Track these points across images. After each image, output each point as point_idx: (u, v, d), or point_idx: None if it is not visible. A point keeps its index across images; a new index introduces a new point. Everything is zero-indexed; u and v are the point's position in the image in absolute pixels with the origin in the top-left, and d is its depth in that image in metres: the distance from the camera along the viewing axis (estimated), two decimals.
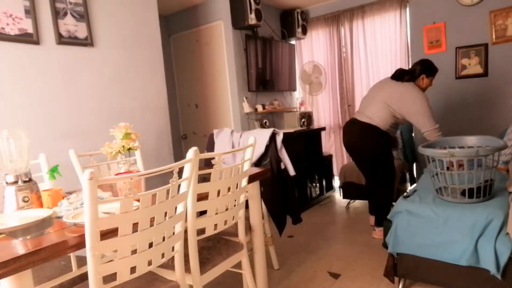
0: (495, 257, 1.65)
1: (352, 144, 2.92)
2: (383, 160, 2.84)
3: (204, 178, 1.50)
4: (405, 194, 2.22)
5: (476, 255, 1.71)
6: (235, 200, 1.66)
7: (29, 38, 2.20)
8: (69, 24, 2.39)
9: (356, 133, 2.84)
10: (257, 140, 1.81)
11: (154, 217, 1.16)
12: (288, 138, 2.91)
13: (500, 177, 2.23)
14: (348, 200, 3.94)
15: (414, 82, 2.72)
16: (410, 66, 3.93)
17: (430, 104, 2.64)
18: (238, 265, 1.81)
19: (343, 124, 4.54)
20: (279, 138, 2.52)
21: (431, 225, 1.86)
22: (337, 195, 4.36)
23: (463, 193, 1.91)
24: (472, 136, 2.26)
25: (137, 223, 1.11)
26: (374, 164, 2.87)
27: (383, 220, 2.47)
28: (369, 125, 2.75)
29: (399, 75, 2.74)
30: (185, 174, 1.30)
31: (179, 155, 4.17)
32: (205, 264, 1.57)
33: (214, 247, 1.72)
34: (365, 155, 2.87)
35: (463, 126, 3.71)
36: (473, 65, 3.57)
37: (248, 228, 2.02)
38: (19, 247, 1.02)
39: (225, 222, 1.62)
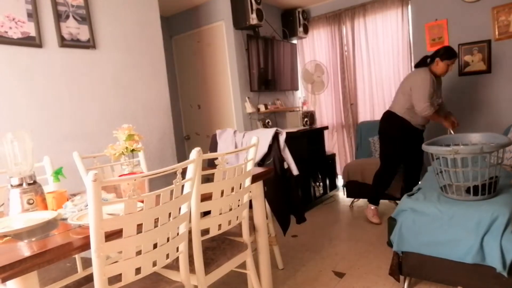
0: (501, 254, 1.64)
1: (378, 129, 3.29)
2: (387, 141, 3.18)
3: (207, 179, 1.50)
4: (409, 192, 2.21)
5: (482, 253, 1.70)
6: (239, 200, 1.66)
7: (32, 42, 2.21)
8: (71, 27, 2.40)
9: (381, 119, 3.24)
10: (260, 140, 1.81)
11: (158, 218, 1.16)
12: (291, 138, 2.91)
13: (505, 174, 2.22)
14: (352, 199, 3.93)
15: (430, 67, 2.92)
16: (412, 64, 3.95)
17: (430, 85, 2.82)
18: (243, 265, 1.81)
19: (346, 122, 4.55)
20: (282, 138, 2.52)
21: (436, 223, 1.85)
22: (341, 194, 4.35)
23: (467, 191, 1.90)
24: (476, 133, 2.25)
25: (141, 224, 1.11)
26: (381, 144, 3.27)
27: (372, 198, 3.31)
28: (388, 112, 3.15)
29: (420, 62, 3.00)
30: (189, 174, 1.30)
31: (182, 156, 4.18)
32: (209, 264, 1.57)
33: (218, 247, 1.72)
34: (380, 137, 3.27)
35: (467, 123, 3.69)
36: (476, 62, 3.55)
37: (252, 228, 2.02)
38: (25, 249, 1.02)
39: (229, 222, 1.62)
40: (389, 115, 3.12)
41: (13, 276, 0.93)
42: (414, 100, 2.87)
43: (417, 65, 3.04)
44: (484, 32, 3.46)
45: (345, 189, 3.91)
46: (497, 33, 3.39)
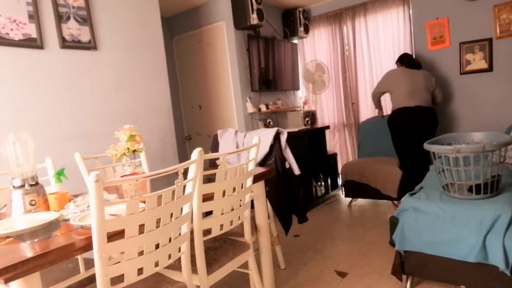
0: (504, 253, 1.64)
1: (425, 126, 3.32)
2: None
3: (209, 179, 1.50)
4: (411, 191, 2.21)
5: (485, 252, 1.69)
6: (241, 200, 1.66)
7: (33, 43, 2.21)
8: (72, 28, 2.40)
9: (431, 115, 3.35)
10: (261, 140, 1.81)
11: (160, 218, 1.16)
12: (292, 137, 2.91)
13: (507, 172, 2.21)
14: (350, 198, 3.92)
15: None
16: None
17: None
18: (245, 265, 1.81)
19: (347, 122, 4.54)
20: (283, 138, 2.51)
21: (438, 222, 1.85)
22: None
23: (470, 189, 1.90)
24: (478, 132, 2.24)
25: (143, 224, 1.11)
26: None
27: None
28: (432, 108, 3.37)
29: (417, 65, 3.43)
30: (190, 175, 1.30)
31: (183, 156, 4.18)
32: (211, 264, 1.57)
33: (220, 247, 1.72)
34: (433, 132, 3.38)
35: (468, 122, 3.68)
36: (477, 60, 3.54)
37: (254, 228, 2.02)
38: (27, 250, 1.02)
39: (231, 222, 1.62)
40: (433, 111, 3.35)
41: (15, 277, 0.93)
42: (440, 94, 3.46)
43: (418, 67, 3.41)
44: (485, 31, 3.45)
45: (343, 189, 3.90)
46: (498, 31, 3.38)
